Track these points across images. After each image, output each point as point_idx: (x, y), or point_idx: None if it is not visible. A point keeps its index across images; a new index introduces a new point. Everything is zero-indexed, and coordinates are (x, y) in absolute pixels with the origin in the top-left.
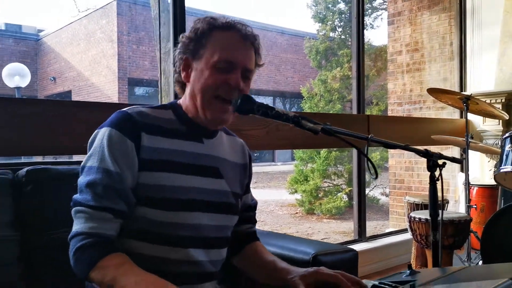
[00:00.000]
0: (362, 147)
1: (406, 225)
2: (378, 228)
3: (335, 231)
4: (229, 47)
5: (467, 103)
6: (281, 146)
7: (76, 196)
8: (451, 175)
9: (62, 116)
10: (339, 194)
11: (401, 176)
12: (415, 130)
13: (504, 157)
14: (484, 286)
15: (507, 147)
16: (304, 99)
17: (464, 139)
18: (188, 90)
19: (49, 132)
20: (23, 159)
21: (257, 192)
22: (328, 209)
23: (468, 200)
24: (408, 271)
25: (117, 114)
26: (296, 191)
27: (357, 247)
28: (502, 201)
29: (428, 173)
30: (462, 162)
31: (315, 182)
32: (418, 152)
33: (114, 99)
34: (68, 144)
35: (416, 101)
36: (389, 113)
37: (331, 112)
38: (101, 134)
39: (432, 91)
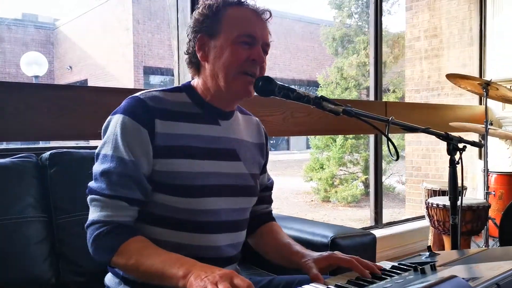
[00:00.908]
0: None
1: (423, 211)
2: (394, 216)
3: (351, 218)
4: (247, 21)
5: (487, 88)
6: (297, 132)
7: (91, 184)
8: (470, 162)
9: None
10: (354, 182)
11: (418, 163)
12: (433, 116)
13: None
14: (503, 266)
15: None
16: (320, 86)
17: (483, 125)
18: (207, 70)
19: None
20: (41, 144)
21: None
22: (344, 197)
23: (487, 186)
24: (428, 253)
25: (130, 100)
26: (311, 179)
27: (374, 233)
28: None
29: (446, 160)
30: (482, 147)
31: (331, 170)
32: (439, 135)
33: (130, 87)
34: (90, 128)
35: (434, 87)
36: (407, 100)
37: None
38: (114, 121)
39: (451, 77)
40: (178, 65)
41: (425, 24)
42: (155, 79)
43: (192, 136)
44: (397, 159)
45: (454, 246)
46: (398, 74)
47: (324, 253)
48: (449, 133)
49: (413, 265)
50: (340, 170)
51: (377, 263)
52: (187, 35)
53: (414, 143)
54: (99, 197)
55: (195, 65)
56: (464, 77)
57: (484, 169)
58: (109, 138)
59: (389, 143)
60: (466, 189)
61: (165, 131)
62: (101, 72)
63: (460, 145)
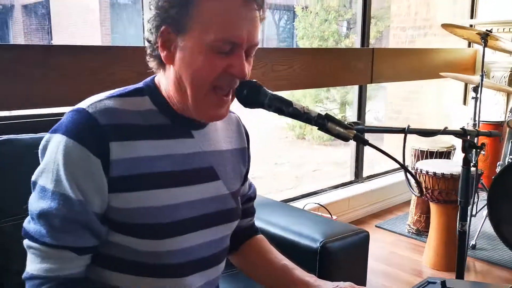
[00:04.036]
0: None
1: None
2: (371, 157)
3: (326, 161)
4: (228, 19)
5: (485, 39)
6: (278, 87)
7: (27, 225)
8: (452, 106)
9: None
10: None
11: (398, 106)
12: (423, 62)
13: None
14: None
15: None
16: (298, 17)
17: (475, 76)
18: (171, 74)
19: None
20: None
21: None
22: (320, 135)
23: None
24: None
25: (76, 116)
26: None
27: (354, 189)
28: (510, 143)
29: (428, 105)
30: (502, 141)
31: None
32: (455, 134)
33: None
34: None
35: (421, 25)
36: (391, 39)
37: (326, 32)
38: (55, 144)
39: (447, 27)
40: None
41: None
42: None
43: (158, 157)
44: (421, 196)
45: (460, 257)
46: (381, 6)
47: (335, 286)
48: (466, 128)
49: None
50: (317, 106)
51: None
52: (148, 18)
53: (395, 83)
54: (38, 246)
55: (158, 59)
56: (461, 27)
57: (475, 124)
58: (49, 166)
59: (411, 178)
60: (455, 149)
61: (123, 156)
62: None
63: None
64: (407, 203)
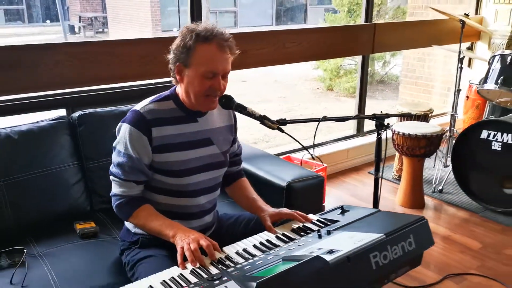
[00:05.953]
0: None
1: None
2: (389, 110)
3: (346, 113)
4: (211, 60)
5: (463, 23)
6: (289, 60)
7: (112, 169)
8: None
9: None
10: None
11: (413, 65)
12: (420, 33)
13: (490, 74)
14: (364, 239)
15: (493, 65)
16: None
17: (462, 49)
18: (183, 87)
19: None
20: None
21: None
22: (346, 88)
23: (455, 110)
24: (340, 210)
25: (134, 114)
26: (318, 67)
27: (354, 141)
28: (489, 106)
29: (439, 65)
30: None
31: (336, 61)
32: (369, 118)
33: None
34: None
35: None
36: (409, 3)
37: None
38: (124, 128)
39: (434, 9)
40: None
41: None
42: None
43: (177, 135)
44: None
45: (375, 195)
46: None
47: (276, 210)
48: (377, 113)
49: (322, 224)
50: (347, 59)
51: (309, 215)
52: (170, 54)
53: None
54: (117, 179)
55: (175, 79)
56: (444, 13)
57: (455, 91)
58: (121, 139)
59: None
60: (432, 112)
61: (159, 135)
62: None
63: (385, 123)
64: None
